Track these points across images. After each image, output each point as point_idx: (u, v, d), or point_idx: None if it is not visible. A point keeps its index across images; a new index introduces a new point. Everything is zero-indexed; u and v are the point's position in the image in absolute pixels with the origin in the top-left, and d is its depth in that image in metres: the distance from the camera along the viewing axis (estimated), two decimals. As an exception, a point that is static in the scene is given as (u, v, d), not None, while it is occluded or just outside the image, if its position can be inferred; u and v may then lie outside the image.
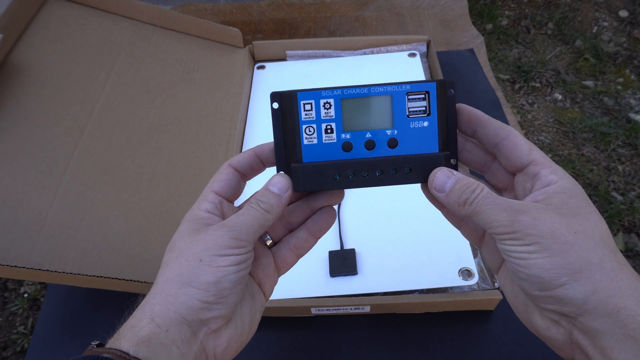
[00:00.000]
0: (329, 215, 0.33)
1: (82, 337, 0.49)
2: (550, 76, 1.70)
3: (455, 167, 0.30)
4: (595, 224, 0.25)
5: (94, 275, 0.42)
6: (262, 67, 0.74)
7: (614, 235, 1.27)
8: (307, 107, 0.30)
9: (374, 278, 0.48)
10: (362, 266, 0.49)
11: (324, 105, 0.30)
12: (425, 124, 0.30)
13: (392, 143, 0.30)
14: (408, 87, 0.30)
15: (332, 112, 0.30)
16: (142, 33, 0.64)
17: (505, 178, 0.31)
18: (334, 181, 0.29)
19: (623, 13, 1.90)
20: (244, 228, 0.28)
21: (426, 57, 0.73)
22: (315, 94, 0.30)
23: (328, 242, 0.51)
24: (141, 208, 0.50)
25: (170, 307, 0.26)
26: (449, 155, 0.30)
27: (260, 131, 0.64)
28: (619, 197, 1.35)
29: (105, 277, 0.43)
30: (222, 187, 0.31)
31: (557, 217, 0.25)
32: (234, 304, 0.28)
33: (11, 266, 0.39)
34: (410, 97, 0.30)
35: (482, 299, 0.46)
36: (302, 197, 0.33)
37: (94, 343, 0.27)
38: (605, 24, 1.87)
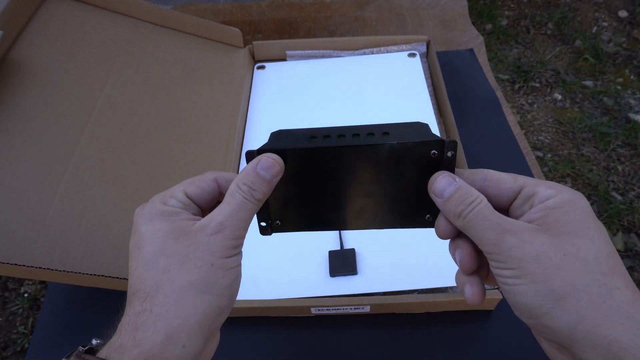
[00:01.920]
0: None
1: (82, 337, 0.49)
2: (550, 76, 1.70)
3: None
4: (591, 241, 0.24)
5: (94, 274, 0.42)
6: (262, 67, 0.74)
7: (614, 235, 1.27)
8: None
9: (374, 278, 0.48)
10: (362, 266, 0.49)
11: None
12: None
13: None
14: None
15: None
16: (142, 32, 0.64)
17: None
18: (311, 142, 0.27)
19: (622, 13, 1.90)
20: (241, 223, 0.27)
21: (426, 57, 0.73)
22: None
23: (328, 242, 0.51)
24: (141, 208, 0.50)
25: (190, 318, 0.24)
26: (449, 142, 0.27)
27: (260, 131, 0.64)
28: (619, 197, 1.35)
29: (105, 276, 0.43)
30: (197, 193, 0.29)
31: (546, 239, 0.24)
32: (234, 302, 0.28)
33: (11, 264, 0.39)
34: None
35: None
36: None
37: (82, 348, 0.26)
38: (605, 24, 1.88)
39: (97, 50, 0.58)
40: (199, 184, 0.29)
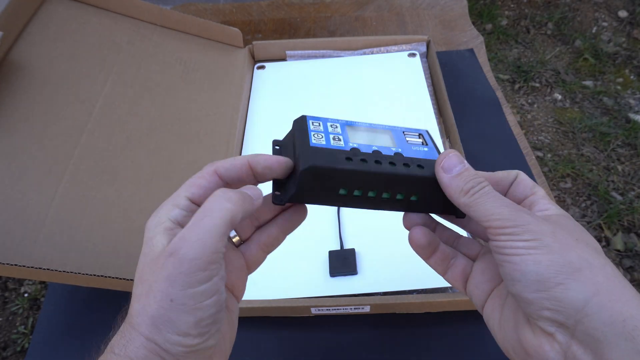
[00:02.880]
0: (301, 212, 0.31)
1: (82, 337, 0.49)
2: (550, 76, 1.70)
3: None
4: (593, 242, 0.25)
5: (94, 275, 0.42)
6: (262, 67, 0.74)
7: (614, 235, 1.27)
8: (316, 124, 0.30)
9: (374, 278, 0.48)
10: (362, 266, 0.49)
11: (330, 125, 0.30)
12: (425, 149, 0.31)
13: (398, 156, 0.29)
14: (402, 128, 0.32)
15: (338, 129, 0.30)
16: (142, 32, 0.65)
17: None
18: (346, 162, 0.26)
19: (622, 13, 1.90)
20: (212, 236, 0.23)
21: (426, 57, 0.73)
22: (321, 119, 0.30)
23: (328, 242, 0.51)
24: (141, 208, 0.50)
25: (158, 354, 0.22)
26: None
27: (260, 131, 0.64)
28: (619, 197, 1.35)
29: (105, 277, 0.43)
30: (199, 195, 0.26)
31: (557, 226, 0.24)
32: (219, 330, 0.24)
33: (12, 265, 0.39)
34: (406, 134, 0.32)
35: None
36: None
37: None
38: (605, 24, 1.88)
39: (97, 50, 0.58)
40: (200, 183, 0.26)
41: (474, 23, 0.89)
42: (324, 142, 0.28)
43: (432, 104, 0.65)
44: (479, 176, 0.27)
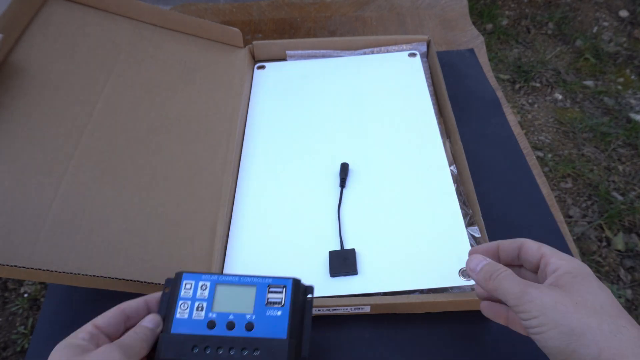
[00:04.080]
0: None
1: (82, 337, 0.49)
2: (550, 76, 1.70)
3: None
4: (595, 295, 0.29)
5: (94, 275, 0.42)
6: (262, 67, 0.74)
7: (615, 235, 1.27)
8: (187, 286, 0.36)
9: (374, 278, 0.48)
10: (362, 266, 0.49)
11: (201, 287, 0.36)
12: (279, 313, 0.35)
13: (249, 326, 0.35)
14: (270, 280, 0.37)
15: (206, 293, 0.36)
16: (142, 33, 0.65)
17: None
18: (192, 354, 0.33)
19: (623, 13, 1.90)
20: (133, 348, 0.30)
21: (426, 57, 0.73)
22: (195, 277, 0.36)
23: (328, 242, 0.51)
24: (141, 208, 0.50)
25: None
26: (294, 342, 0.35)
27: (260, 131, 0.64)
28: (619, 197, 1.35)
29: (105, 277, 0.43)
30: (105, 323, 0.33)
31: (560, 292, 0.30)
32: None
33: (11, 266, 0.39)
34: (271, 289, 0.37)
35: (482, 299, 0.46)
36: None
37: None
38: (606, 24, 1.87)
39: (98, 51, 0.58)
40: (106, 314, 0.33)
41: (474, 23, 0.89)
42: (186, 316, 0.35)
43: (433, 104, 0.65)
44: (497, 266, 0.34)
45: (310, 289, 0.38)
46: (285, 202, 0.56)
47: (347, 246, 0.51)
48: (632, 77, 1.68)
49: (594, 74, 1.70)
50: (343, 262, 0.49)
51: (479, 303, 0.47)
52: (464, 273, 0.47)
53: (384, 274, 0.48)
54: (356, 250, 0.50)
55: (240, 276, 0.37)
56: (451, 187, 0.54)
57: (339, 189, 0.56)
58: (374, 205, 0.54)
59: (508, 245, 0.37)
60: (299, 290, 0.37)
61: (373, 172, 0.58)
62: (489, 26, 1.91)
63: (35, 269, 0.40)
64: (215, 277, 0.36)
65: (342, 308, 0.47)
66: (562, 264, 0.32)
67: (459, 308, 0.48)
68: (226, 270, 0.50)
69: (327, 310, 0.48)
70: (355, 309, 0.47)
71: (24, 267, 0.40)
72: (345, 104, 0.66)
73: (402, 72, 0.70)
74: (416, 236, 0.51)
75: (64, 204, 0.46)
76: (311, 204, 0.55)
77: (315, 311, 0.48)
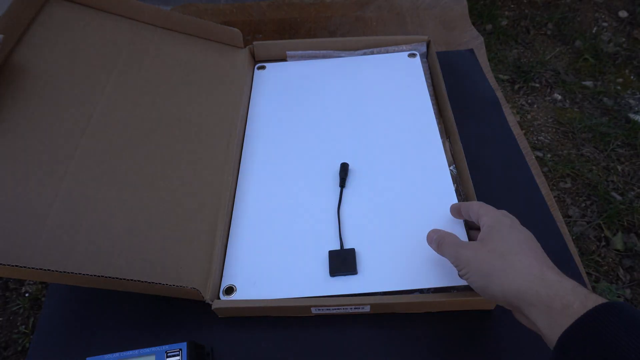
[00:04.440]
0: None
1: (82, 337, 0.49)
2: (549, 76, 1.70)
3: None
4: (505, 242, 0.38)
5: (94, 275, 0.43)
6: (263, 68, 0.74)
7: (614, 235, 1.27)
8: None
9: (375, 277, 0.48)
10: (362, 265, 0.49)
11: None
12: None
13: None
14: (166, 347, 0.41)
15: None
16: (143, 34, 0.65)
17: None
18: None
19: (623, 13, 1.90)
20: None
21: (426, 57, 0.73)
22: (100, 357, 0.41)
23: (328, 242, 0.52)
24: (141, 208, 0.50)
25: None
26: None
27: (260, 132, 0.64)
28: (619, 197, 1.35)
29: (105, 277, 0.43)
30: None
31: (479, 245, 0.40)
32: None
33: (12, 266, 0.39)
34: (168, 354, 0.41)
35: (481, 299, 0.46)
36: None
37: None
38: (605, 24, 1.88)
39: (98, 52, 0.59)
40: None
41: (474, 23, 0.89)
42: None
43: (432, 104, 0.65)
44: (443, 236, 0.44)
45: (207, 348, 0.45)
46: (284, 202, 0.56)
47: (346, 246, 0.51)
48: (632, 77, 1.69)
49: (593, 75, 1.70)
50: (343, 261, 0.49)
51: (478, 302, 0.47)
52: None
53: (383, 273, 0.49)
54: (356, 250, 0.50)
55: (139, 350, 0.42)
56: (451, 187, 0.55)
57: (339, 188, 0.56)
58: (373, 205, 0.55)
59: (465, 206, 0.47)
60: (194, 349, 0.42)
61: (373, 172, 0.58)
62: (489, 26, 1.91)
63: (36, 269, 0.40)
64: (117, 355, 0.41)
65: (342, 308, 0.47)
66: (486, 219, 0.41)
67: (459, 308, 0.48)
68: (226, 272, 0.50)
69: (328, 310, 0.48)
70: (355, 308, 0.48)
71: (24, 267, 0.40)
72: (345, 104, 0.67)
73: (402, 72, 0.70)
74: (416, 236, 0.51)
75: (65, 204, 0.46)
76: (311, 203, 0.55)
77: (315, 311, 0.48)
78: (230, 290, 0.49)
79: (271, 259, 0.51)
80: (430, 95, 0.67)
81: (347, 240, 0.52)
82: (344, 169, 0.57)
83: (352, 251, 0.50)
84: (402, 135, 0.61)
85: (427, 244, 0.47)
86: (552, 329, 0.32)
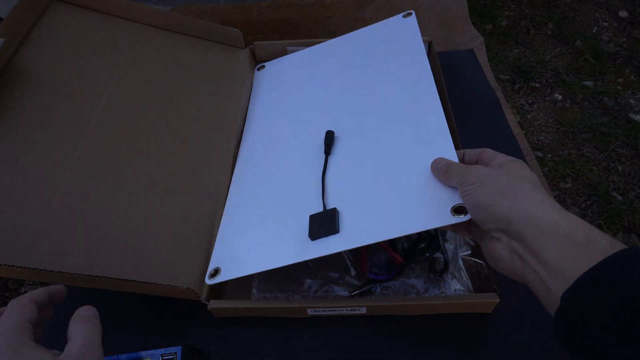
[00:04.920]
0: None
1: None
2: (550, 76, 1.70)
3: None
4: (522, 171, 0.36)
5: (93, 275, 0.43)
6: (263, 67, 0.74)
7: (614, 235, 1.27)
8: None
9: (357, 233, 0.43)
10: (344, 224, 0.44)
11: None
12: None
13: None
14: (162, 350, 0.42)
15: None
16: (143, 35, 0.65)
17: None
18: None
19: (623, 13, 1.90)
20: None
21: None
22: None
23: (312, 209, 0.48)
24: (140, 208, 0.50)
25: None
26: None
27: (260, 131, 0.64)
28: (619, 197, 1.35)
29: (105, 277, 0.43)
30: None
31: (494, 168, 0.38)
32: None
33: (11, 266, 0.39)
34: (164, 357, 0.42)
35: (479, 302, 0.46)
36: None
37: None
38: (605, 24, 1.87)
39: (99, 54, 0.59)
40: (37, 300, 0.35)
41: (474, 23, 0.89)
42: None
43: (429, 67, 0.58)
44: (452, 162, 0.42)
45: (204, 351, 0.46)
46: (272, 179, 0.55)
47: (329, 207, 0.47)
48: (632, 77, 1.68)
49: (594, 74, 1.70)
50: (324, 223, 0.45)
51: (475, 306, 0.47)
52: (456, 210, 0.39)
53: (367, 227, 0.43)
54: (338, 210, 0.46)
55: (136, 353, 0.42)
56: (449, 141, 0.47)
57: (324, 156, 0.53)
58: (360, 167, 0.50)
59: (472, 152, 0.43)
60: (189, 353, 0.43)
61: (364, 135, 0.54)
62: (489, 27, 1.91)
63: (35, 269, 0.40)
64: (114, 357, 0.42)
65: (337, 309, 0.47)
66: (504, 159, 0.39)
67: (456, 310, 0.48)
68: (213, 257, 0.50)
69: (323, 311, 0.48)
70: (351, 310, 0.47)
71: (24, 267, 0.40)
72: (339, 77, 0.64)
73: (397, 34, 0.65)
74: (404, 182, 0.45)
75: (64, 204, 0.46)
76: (296, 175, 0.54)
77: (311, 312, 0.48)
78: (215, 272, 0.48)
79: (255, 235, 0.49)
80: (426, 54, 0.60)
81: (331, 204, 0.48)
82: (329, 136, 0.54)
83: (333, 211, 0.46)
84: (397, 93, 0.56)
85: (416, 188, 0.44)
86: (567, 262, 0.29)
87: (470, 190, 0.36)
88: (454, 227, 0.42)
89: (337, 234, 0.44)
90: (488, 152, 0.42)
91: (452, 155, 0.44)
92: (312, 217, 0.47)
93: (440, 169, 0.41)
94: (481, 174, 0.36)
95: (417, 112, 0.52)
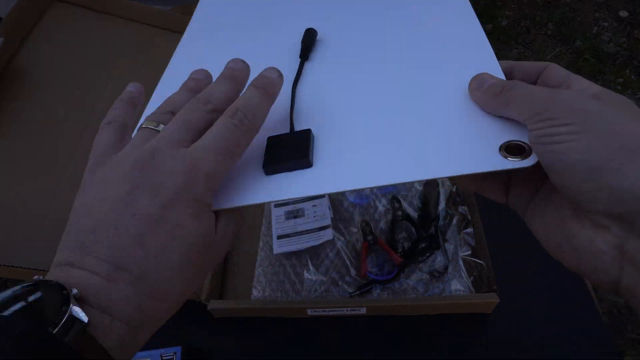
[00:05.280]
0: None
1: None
2: (550, 76, 1.70)
3: None
4: (637, 112, 0.21)
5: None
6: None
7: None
8: None
9: (344, 169, 0.27)
10: (321, 154, 0.29)
11: None
12: None
13: None
14: (162, 350, 0.42)
15: None
16: (143, 35, 0.65)
17: None
18: None
19: (623, 13, 1.90)
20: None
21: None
22: None
23: (271, 127, 0.32)
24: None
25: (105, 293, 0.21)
26: None
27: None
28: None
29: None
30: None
31: (604, 102, 0.21)
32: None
33: (11, 266, 0.40)
34: (163, 357, 0.42)
35: (479, 302, 0.46)
36: None
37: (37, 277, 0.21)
38: (605, 24, 1.88)
39: (99, 54, 0.59)
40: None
41: (473, 24, 0.89)
42: None
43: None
44: (497, 78, 0.26)
45: (204, 351, 0.46)
46: None
47: (300, 128, 0.31)
48: (632, 77, 1.69)
49: (594, 74, 1.70)
50: (290, 150, 0.29)
51: (476, 306, 0.47)
52: (508, 149, 0.24)
53: (358, 163, 0.27)
54: (313, 133, 0.30)
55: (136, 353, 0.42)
56: (480, 30, 0.34)
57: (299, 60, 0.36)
58: (355, 79, 0.34)
59: (528, 66, 0.27)
60: (189, 353, 0.43)
61: (360, 39, 0.37)
62: (489, 27, 1.91)
63: (35, 269, 0.40)
64: None
65: (337, 309, 0.47)
66: (597, 89, 0.23)
67: (456, 310, 0.48)
68: None
69: (323, 311, 0.48)
70: (351, 310, 0.47)
71: (23, 267, 0.40)
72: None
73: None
74: (420, 106, 0.30)
75: (64, 205, 0.46)
76: None
77: (311, 312, 0.48)
78: None
79: None
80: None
81: (303, 125, 0.31)
82: (309, 36, 0.37)
83: (305, 133, 0.29)
84: None
85: (437, 110, 0.28)
86: None
87: (562, 137, 0.20)
88: (486, 182, 0.27)
89: (309, 169, 0.28)
90: (556, 70, 0.25)
91: (495, 69, 0.29)
92: (270, 140, 0.30)
93: (489, 90, 0.25)
94: (587, 108, 0.20)
95: (440, 12, 0.36)
